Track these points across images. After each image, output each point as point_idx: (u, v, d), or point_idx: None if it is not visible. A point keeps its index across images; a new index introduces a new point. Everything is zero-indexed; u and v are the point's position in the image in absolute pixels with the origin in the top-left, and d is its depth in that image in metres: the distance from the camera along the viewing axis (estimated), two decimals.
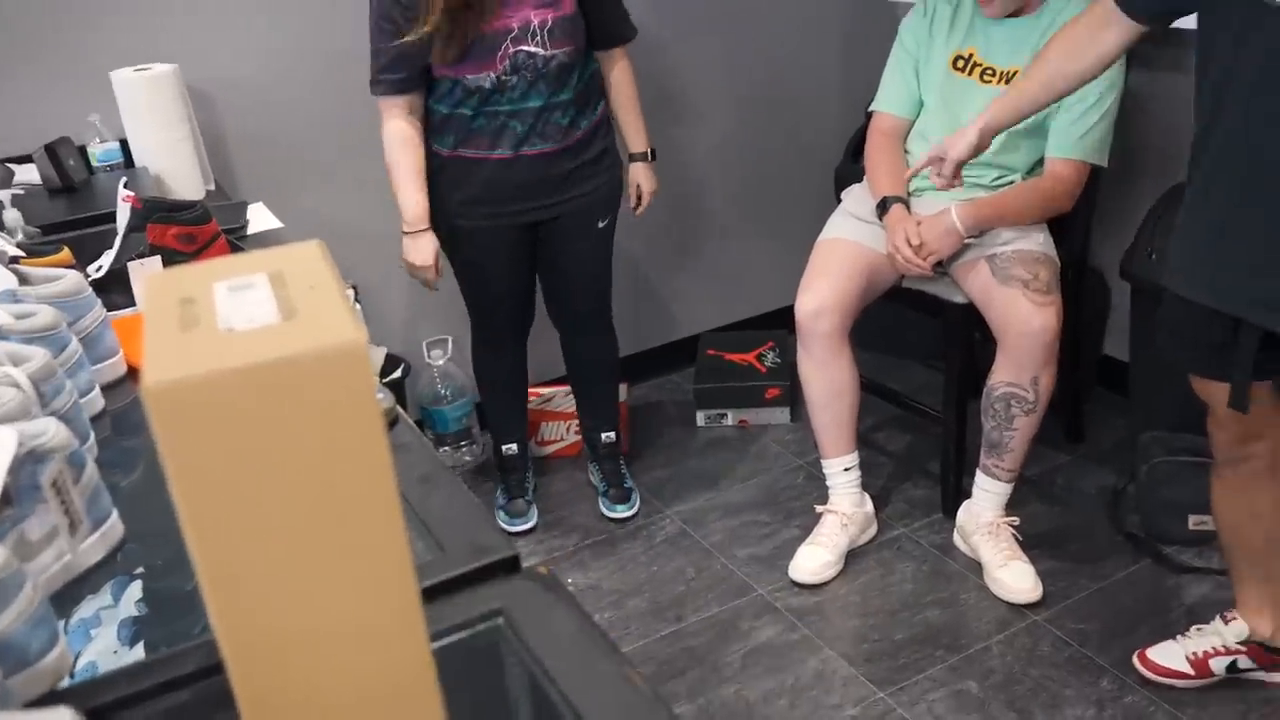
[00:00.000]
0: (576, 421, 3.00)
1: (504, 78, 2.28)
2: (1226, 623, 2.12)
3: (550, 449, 3.06)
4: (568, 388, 3.00)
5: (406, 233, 2.44)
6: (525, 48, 2.26)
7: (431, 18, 2.17)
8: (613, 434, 2.83)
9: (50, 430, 0.98)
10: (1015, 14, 2.42)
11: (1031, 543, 2.50)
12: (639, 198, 2.64)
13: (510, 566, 0.97)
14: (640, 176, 2.62)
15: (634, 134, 2.59)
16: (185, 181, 2.29)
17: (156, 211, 1.67)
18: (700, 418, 3.19)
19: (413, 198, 2.39)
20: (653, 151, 2.62)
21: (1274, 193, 1.63)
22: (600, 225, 2.56)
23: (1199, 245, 1.78)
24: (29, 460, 0.95)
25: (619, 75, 2.53)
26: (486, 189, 2.41)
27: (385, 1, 2.24)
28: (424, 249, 2.42)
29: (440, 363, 2.98)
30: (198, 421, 0.65)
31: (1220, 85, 1.68)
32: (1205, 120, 1.73)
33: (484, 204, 2.42)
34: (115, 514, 1.08)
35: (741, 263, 3.51)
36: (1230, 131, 1.68)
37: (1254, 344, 1.72)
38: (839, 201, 2.76)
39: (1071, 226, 2.63)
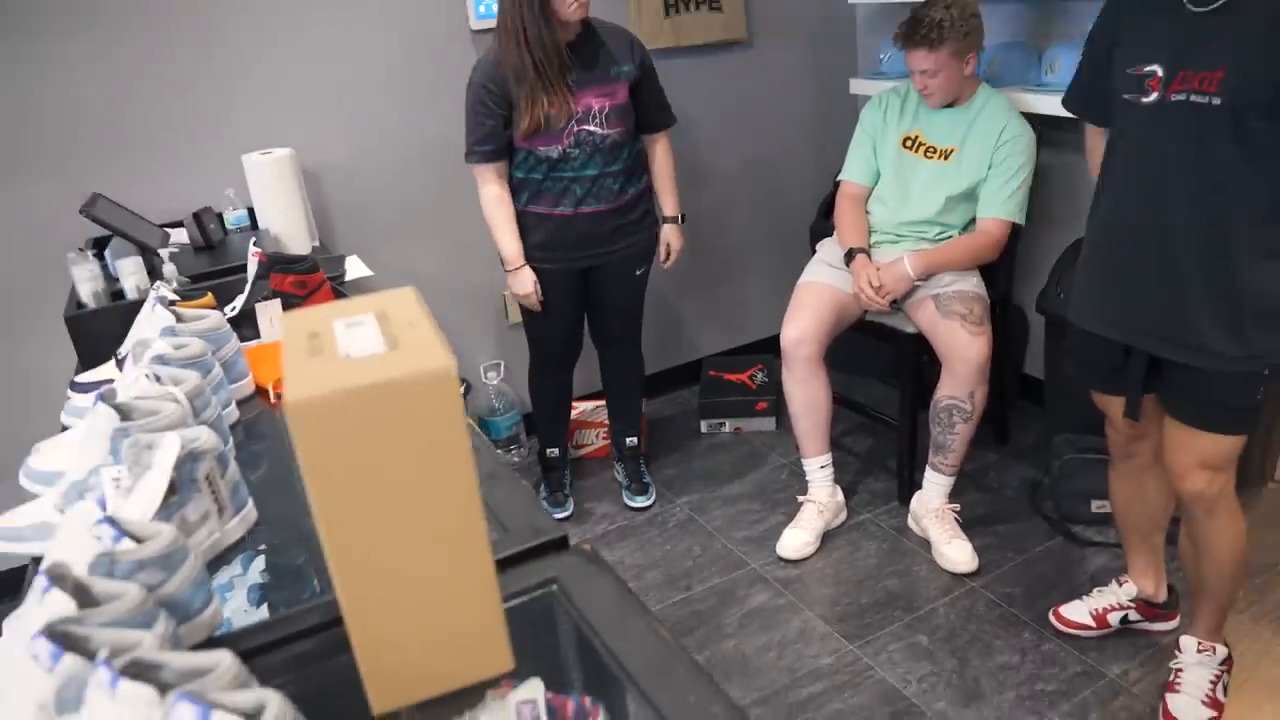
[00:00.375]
0: (605, 429, 3.00)
1: (569, 150, 2.28)
2: (1120, 585, 2.11)
3: (583, 451, 3.05)
4: (597, 403, 3.00)
5: (509, 270, 2.41)
6: (587, 127, 2.26)
7: (535, 116, 2.20)
8: (635, 438, 2.81)
9: (203, 435, 1.00)
10: (950, 105, 2.42)
11: (969, 524, 2.48)
12: (668, 253, 2.60)
13: (560, 545, 0.99)
14: (671, 236, 2.58)
15: (669, 201, 2.55)
16: (296, 239, 2.30)
17: (277, 264, 1.70)
18: (703, 426, 3.16)
19: (510, 243, 2.37)
20: (683, 216, 2.60)
21: (1148, 248, 1.64)
22: (638, 273, 2.54)
23: (1095, 288, 1.77)
24: (188, 459, 0.96)
25: (660, 153, 2.51)
26: (550, 238, 2.39)
27: (481, 91, 2.25)
28: (524, 281, 2.39)
29: (494, 382, 2.98)
30: (327, 429, 0.66)
31: (1109, 162, 1.71)
32: (1099, 189, 1.74)
33: (548, 250, 2.40)
34: (251, 502, 1.09)
35: (737, 299, 3.49)
36: (1115, 197, 1.70)
37: (1141, 366, 1.72)
38: (814, 252, 2.73)
39: (998, 271, 2.61)
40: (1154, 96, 1.57)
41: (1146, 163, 1.62)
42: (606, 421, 2.96)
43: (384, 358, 0.71)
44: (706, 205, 3.31)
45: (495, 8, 2.26)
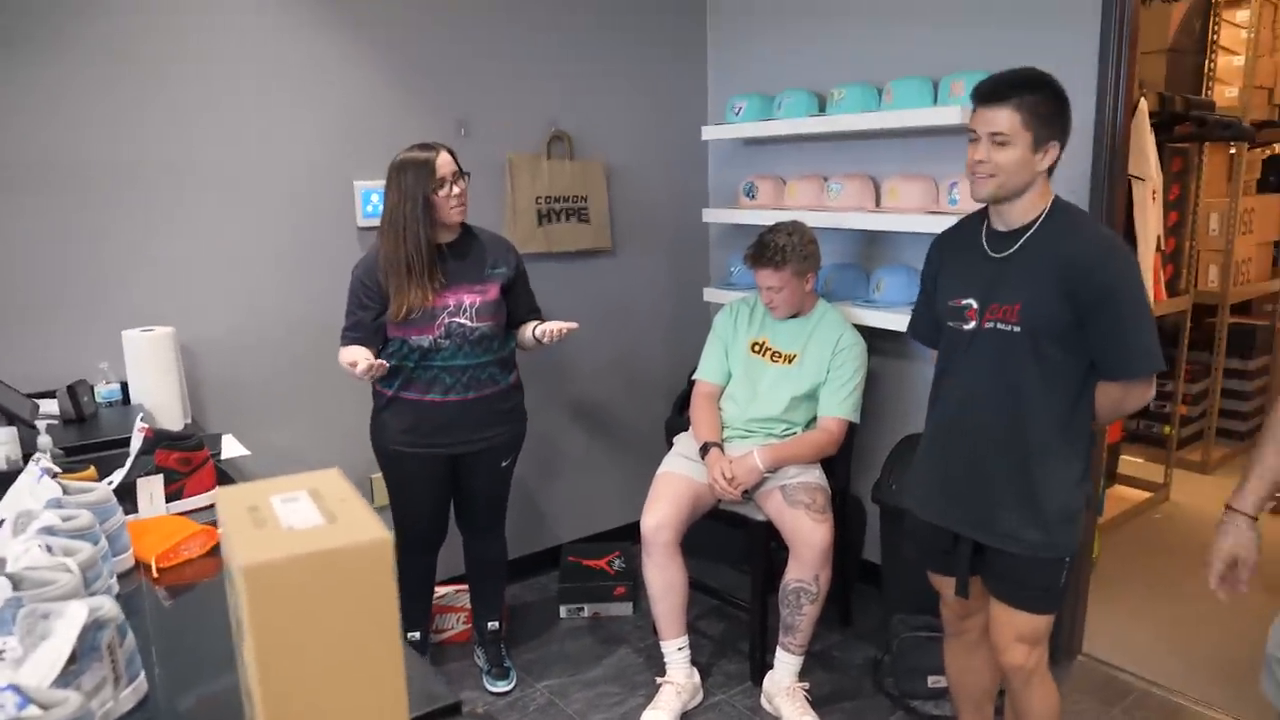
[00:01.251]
0: (465, 614, 2.97)
1: (439, 340, 2.35)
2: None
3: (443, 636, 2.99)
4: (458, 587, 2.99)
5: (342, 351, 2.35)
6: (458, 320, 2.35)
7: (401, 304, 2.29)
8: (497, 623, 2.79)
9: (106, 605, 1.02)
10: (793, 316, 2.69)
11: (818, 701, 2.56)
12: (547, 333, 2.44)
13: (454, 710, 1.04)
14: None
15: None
16: (169, 416, 2.30)
17: (163, 440, 1.71)
18: (563, 611, 3.17)
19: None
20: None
21: (968, 452, 1.88)
22: (504, 464, 2.59)
23: (930, 483, 1.99)
24: (93, 627, 0.98)
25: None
26: (419, 423, 2.42)
27: (358, 284, 2.37)
28: (352, 352, 2.31)
29: None
30: (276, 591, 0.74)
31: (940, 379, 1.98)
32: (933, 398, 2.01)
33: (418, 435, 2.43)
34: (143, 674, 1.10)
35: (596, 489, 3.58)
36: (944, 409, 1.96)
37: (968, 550, 1.92)
38: (669, 445, 2.89)
39: (838, 464, 2.79)
40: (971, 325, 1.84)
41: (966, 380, 1.88)
42: (467, 606, 2.94)
43: (325, 529, 0.79)
44: (570, 399, 3.46)
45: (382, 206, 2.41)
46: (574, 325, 2.46)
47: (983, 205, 1.89)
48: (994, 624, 1.94)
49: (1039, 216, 1.79)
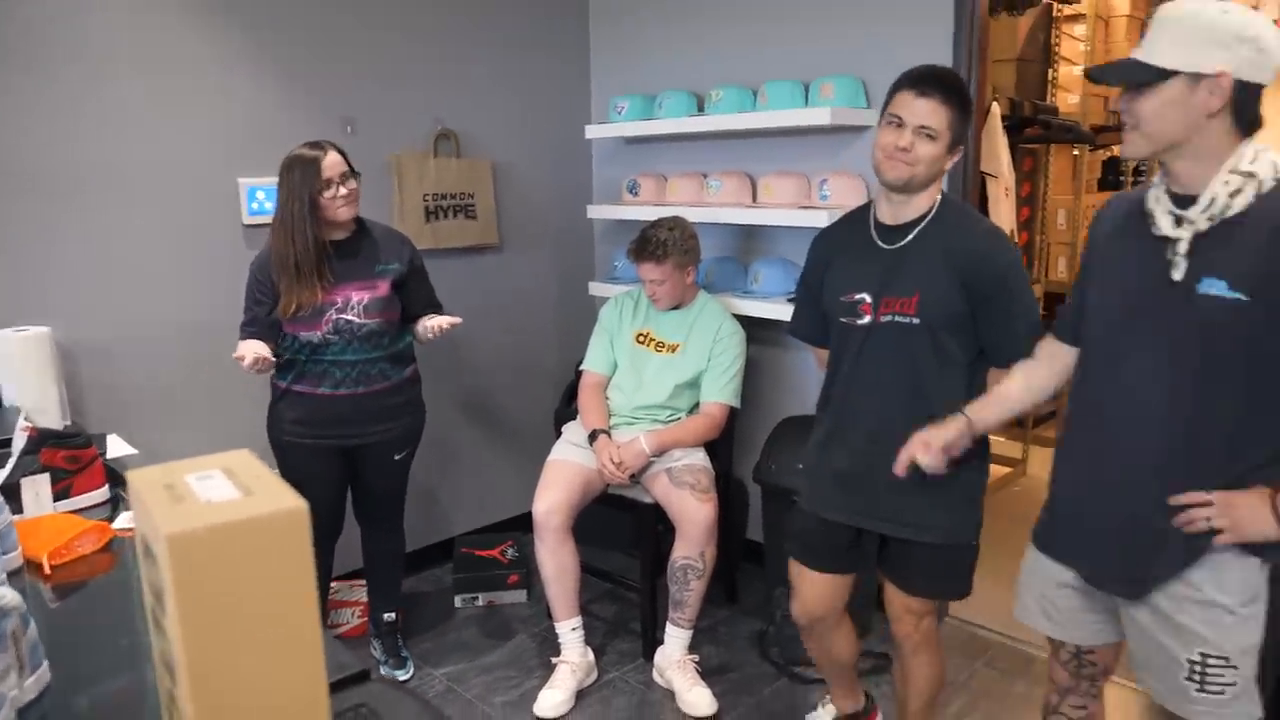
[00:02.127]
0: (360, 608, 2.98)
1: (328, 336, 2.37)
2: (824, 707, 2.42)
3: (338, 630, 2.99)
4: (352, 582, 2.99)
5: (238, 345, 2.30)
6: (345, 316, 2.37)
7: (290, 301, 2.30)
8: (394, 614, 2.80)
9: (9, 593, 1.04)
10: (675, 307, 2.80)
11: (708, 673, 2.67)
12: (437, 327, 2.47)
13: (363, 677, 1.10)
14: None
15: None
16: (47, 417, 2.24)
17: (49, 438, 1.69)
18: (458, 601, 3.20)
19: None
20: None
21: (872, 445, 1.86)
22: (397, 457, 2.60)
23: (827, 481, 1.98)
24: None
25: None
26: (310, 415, 2.43)
27: (253, 279, 2.38)
28: (240, 346, 2.27)
29: None
30: (200, 560, 0.78)
31: (835, 375, 1.97)
32: (827, 397, 2.01)
33: (309, 426, 2.44)
34: (46, 664, 1.11)
35: (487, 480, 3.62)
36: (841, 405, 1.96)
37: (874, 545, 1.97)
38: (558, 434, 2.96)
39: (720, 447, 2.92)
40: (866, 319, 1.85)
41: (864, 374, 1.88)
42: (362, 600, 2.95)
43: (243, 501, 0.84)
44: (462, 393, 3.49)
45: (271, 204, 2.41)
46: (457, 320, 2.49)
47: (864, 202, 1.93)
48: (888, 598, 2.01)
49: (930, 210, 1.83)
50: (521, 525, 3.62)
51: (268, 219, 2.43)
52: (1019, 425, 4.59)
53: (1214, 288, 1.38)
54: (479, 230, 3.39)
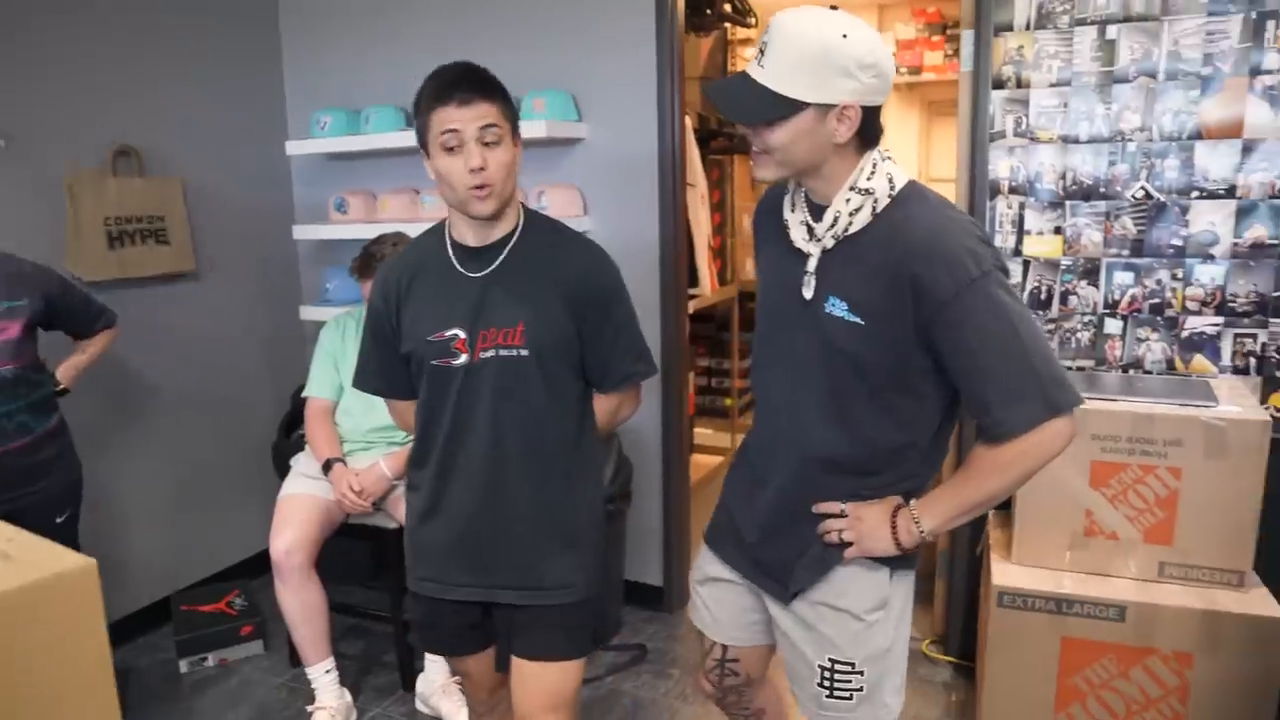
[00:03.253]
0: None
1: None
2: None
3: None
4: None
5: None
6: None
7: None
8: None
9: None
10: None
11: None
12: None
13: None
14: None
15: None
16: None
17: None
18: (184, 665, 2.89)
19: None
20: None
21: (491, 501, 1.62)
22: (59, 520, 2.28)
23: (443, 557, 1.68)
24: None
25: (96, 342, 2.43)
26: None
27: None
28: None
29: None
30: None
31: (430, 430, 1.67)
32: (415, 457, 1.72)
33: None
34: None
35: (200, 529, 3.30)
36: (441, 461, 1.65)
37: (507, 616, 1.70)
38: (279, 469, 2.79)
39: None
40: (463, 358, 1.57)
41: (470, 420, 1.60)
42: None
43: (13, 567, 0.72)
44: (155, 439, 3.16)
45: None
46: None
47: (435, 224, 1.69)
48: (521, 693, 1.68)
49: (516, 226, 1.61)
50: (246, 571, 3.36)
51: None
52: (725, 417, 4.96)
53: (837, 308, 1.38)
54: (172, 257, 3.09)
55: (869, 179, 1.36)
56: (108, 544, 2.92)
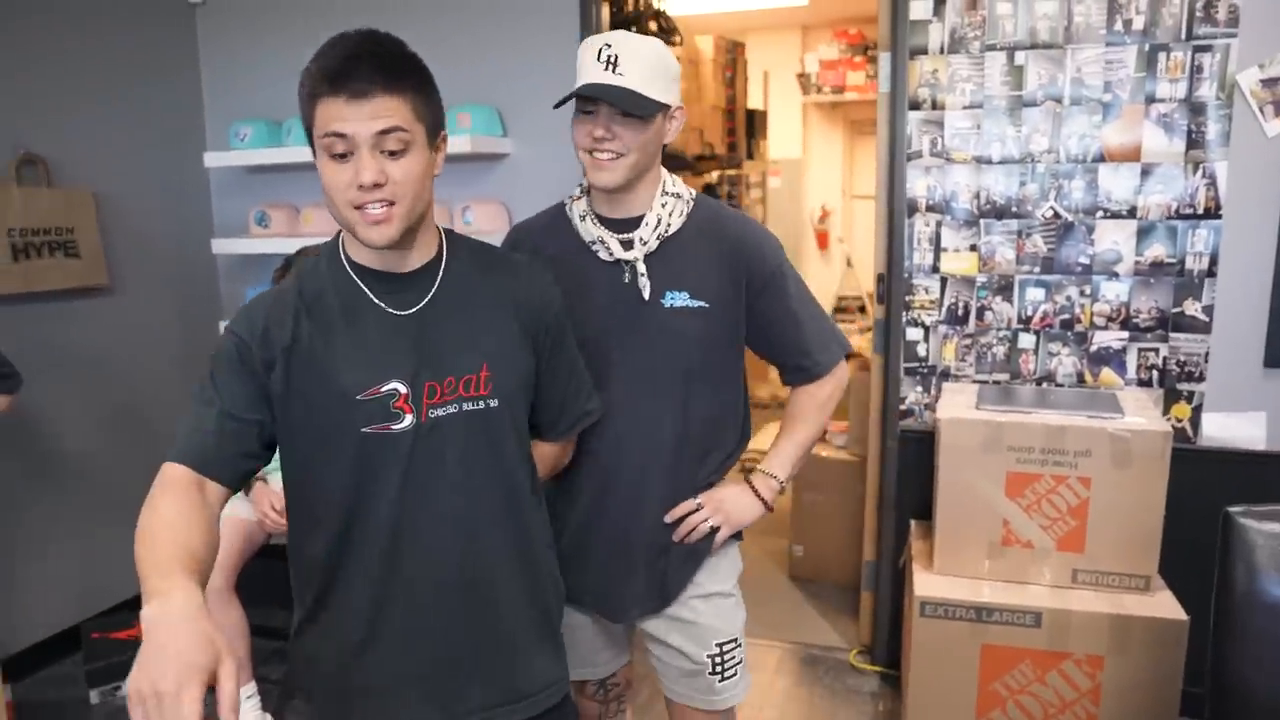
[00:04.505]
0: None
1: None
2: None
3: None
4: None
5: None
6: None
7: None
8: None
9: None
10: None
11: None
12: None
13: None
14: None
15: None
16: None
17: None
18: (95, 696, 2.77)
19: None
20: None
21: (460, 596, 1.27)
22: None
23: (385, 696, 1.28)
24: None
25: None
26: None
27: None
28: None
29: None
30: None
31: (350, 516, 1.24)
32: (329, 547, 1.27)
33: None
34: None
35: (110, 554, 3.13)
36: (390, 556, 1.24)
37: None
38: None
39: None
40: (408, 421, 1.20)
41: (426, 501, 1.23)
42: None
43: None
44: (60, 460, 3.02)
45: None
46: None
47: (322, 252, 1.29)
48: None
49: (440, 251, 1.29)
50: None
51: None
52: None
53: (678, 299, 1.51)
54: (82, 270, 2.98)
55: (674, 185, 1.55)
56: (8, 571, 2.79)
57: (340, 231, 1.27)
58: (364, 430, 1.20)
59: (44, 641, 2.97)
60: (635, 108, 1.41)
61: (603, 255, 1.51)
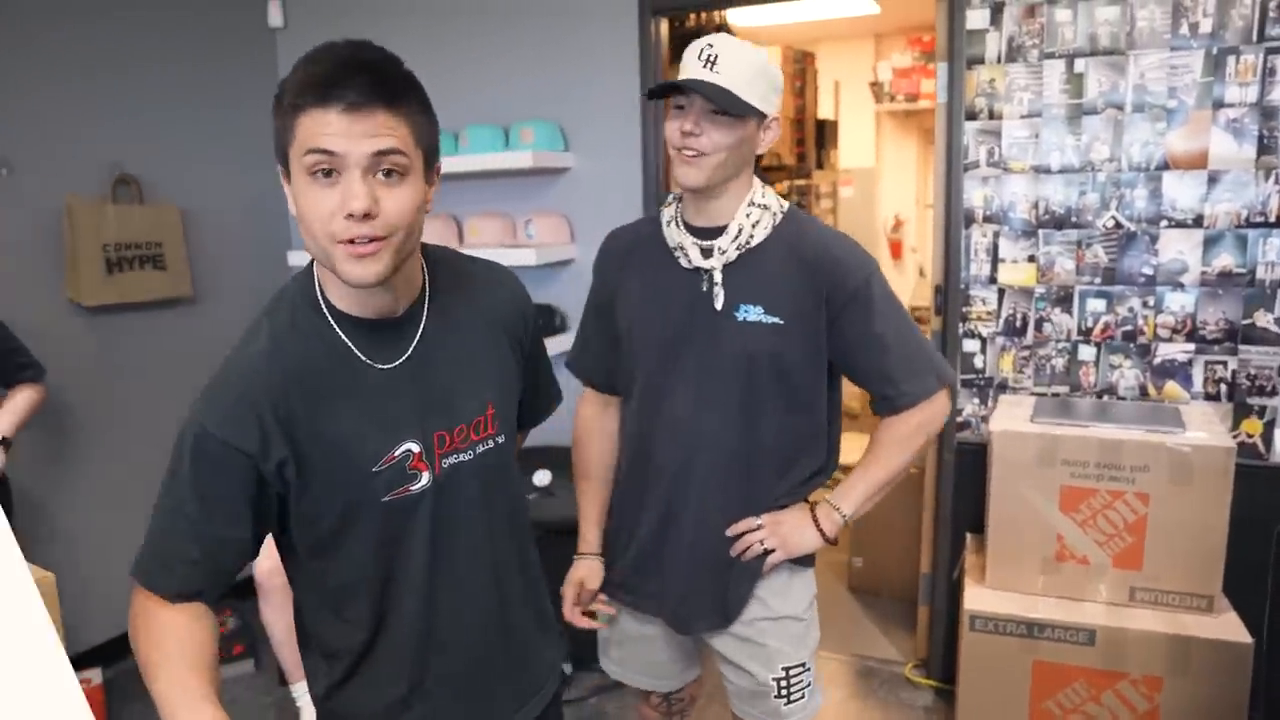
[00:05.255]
0: None
1: None
2: None
3: None
4: None
5: None
6: None
7: None
8: None
9: None
10: None
11: None
12: None
13: None
14: None
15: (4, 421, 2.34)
16: None
17: None
18: None
19: None
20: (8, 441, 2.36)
21: (480, 635, 1.25)
22: None
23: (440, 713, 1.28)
24: None
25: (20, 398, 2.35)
26: None
27: None
28: None
29: None
30: None
31: (381, 573, 1.20)
32: (364, 614, 1.21)
33: None
34: None
35: None
36: (402, 609, 1.20)
37: None
38: None
39: None
40: (425, 479, 1.14)
41: (451, 552, 1.19)
42: None
43: None
44: (155, 457, 3.15)
45: None
46: None
47: (289, 289, 1.18)
48: None
49: (423, 281, 1.18)
50: (236, 593, 3.38)
51: None
52: None
53: (751, 314, 1.47)
54: (169, 282, 3.15)
55: (763, 196, 1.50)
56: (101, 568, 2.96)
57: (310, 267, 1.14)
58: (384, 500, 1.12)
59: (124, 634, 3.12)
60: (726, 105, 1.39)
61: (682, 262, 1.50)
